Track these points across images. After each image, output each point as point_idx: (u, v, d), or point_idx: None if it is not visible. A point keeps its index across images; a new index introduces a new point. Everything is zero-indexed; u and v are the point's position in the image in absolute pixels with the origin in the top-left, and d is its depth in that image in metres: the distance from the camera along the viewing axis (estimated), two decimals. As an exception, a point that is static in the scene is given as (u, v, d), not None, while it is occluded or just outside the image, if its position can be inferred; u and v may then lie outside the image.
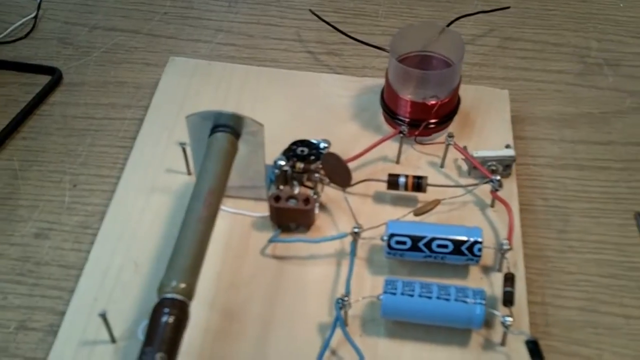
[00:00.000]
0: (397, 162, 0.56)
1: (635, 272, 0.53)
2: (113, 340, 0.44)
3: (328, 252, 0.50)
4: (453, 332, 0.45)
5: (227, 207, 0.52)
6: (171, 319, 0.38)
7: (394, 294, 0.44)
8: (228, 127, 0.47)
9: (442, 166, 0.56)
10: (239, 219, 0.52)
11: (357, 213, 0.52)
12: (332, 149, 0.55)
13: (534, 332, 0.49)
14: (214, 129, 0.48)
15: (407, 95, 0.56)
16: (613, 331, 0.49)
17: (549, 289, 0.52)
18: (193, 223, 0.42)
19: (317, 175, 0.51)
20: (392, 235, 0.47)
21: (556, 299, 0.51)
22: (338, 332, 0.45)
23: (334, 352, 0.45)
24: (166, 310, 0.38)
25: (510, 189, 0.54)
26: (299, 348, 0.45)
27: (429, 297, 0.44)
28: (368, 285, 0.48)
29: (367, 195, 0.54)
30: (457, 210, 0.53)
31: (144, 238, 0.51)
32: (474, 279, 0.49)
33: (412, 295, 0.44)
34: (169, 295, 0.39)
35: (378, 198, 0.54)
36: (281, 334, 0.46)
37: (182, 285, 0.40)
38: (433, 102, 0.54)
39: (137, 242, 0.50)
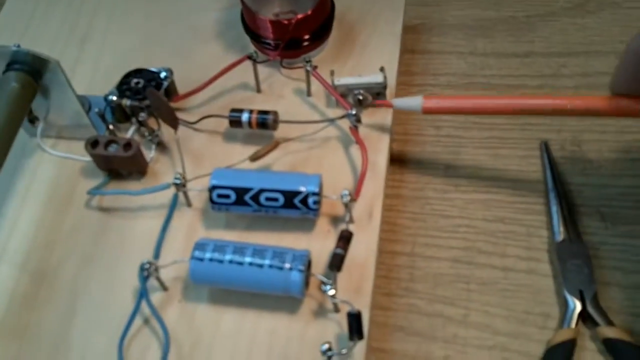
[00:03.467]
0: (258, 90, 0.48)
1: (529, 214, 0.45)
2: None
3: (161, 202, 0.44)
4: (283, 298, 0.40)
5: (56, 151, 0.46)
6: None
7: (202, 259, 0.38)
8: (21, 65, 0.41)
9: (308, 95, 0.48)
10: (69, 164, 0.46)
11: (202, 155, 0.45)
12: (188, 76, 0.48)
13: (395, 289, 0.43)
14: (8, 67, 0.41)
15: (267, 13, 0.47)
16: (487, 287, 0.43)
17: (422, 237, 0.45)
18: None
19: (142, 115, 0.44)
20: (214, 188, 0.41)
21: (428, 249, 0.45)
22: (157, 295, 0.40)
23: (147, 321, 0.40)
24: None
25: (384, 120, 0.46)
26: (109, 319, 0.40)
27: (241, 264, 0.38)
28: (200, 241, 0.42)
29: (217, 132, 0.47)
30: (317, 148, 0.46)
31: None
32: (320, 233, 0.42)
33: (221, 262, 0.38)
34: None
35: (229, 136, 0.47)
36: (92, 301, 0.41)
37: None
38: (287, 19, 0.46)
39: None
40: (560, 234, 0.43)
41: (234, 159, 0.44)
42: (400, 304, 0.43)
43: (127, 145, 0.43)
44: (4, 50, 0.40)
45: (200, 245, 0.39)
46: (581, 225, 0.44)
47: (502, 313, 0.42)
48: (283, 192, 0.40)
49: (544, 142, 0.48)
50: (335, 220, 0.43)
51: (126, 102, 0.44)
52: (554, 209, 0.45)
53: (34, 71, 0.41)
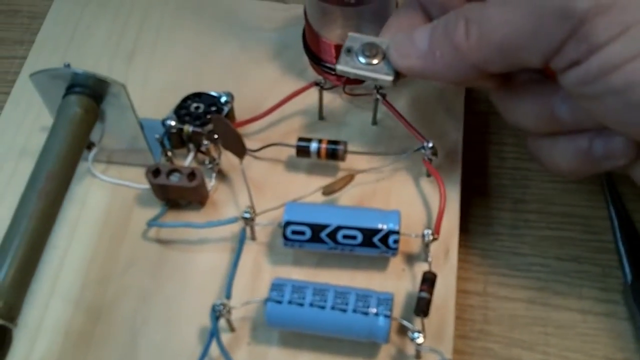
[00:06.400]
0: (320, 117, 0.46)
1: (603, 253, 0.44)
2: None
3: (222, 235, 0.41)
4: (359, 342, 0.37)
5: (108, 177, 0.43)
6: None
7: (280, 302, 0.36)
8: (83, 88, 0.38)
9: (374, 123, 0.46)
10: (122, 191, 0.43)
11: (262, 186, 0.43)
12: (243, 100, 0.45)
13: (469, 331, 0.41)
14: (68, 89, 0.38)
15: (331, 36, 0.45)
16: (565, 330, 0.41)
17: (493, 275, 0.43)
18: (22, 220, 0.34)
19: (206, 143, 0.41)
20: (288, 224, 0.38)
21: (501, 288, 0.43)
22: (224, 337, 0.38)
23: (215, 364, 0.37)
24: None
25: (455, 149, 0.44)
26: (173, 358, 0.38)
27: (323, 307, 0.35)
28: (267, 278, 0.39)
29: (279, 160, 0.44)
30: (385, 180, 0.43)
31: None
32: (394, 272, 0.40)
33: (302, 305, 0.36)
34: (-21, 318, 0.31)
35: (291, 165, 0.44)
36: (154, 339, 0.38)
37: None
38: (359, 45, 0.43)
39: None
40: (630, 275, 0.42)
41: (297, 189, 0.42)
42: (475, 348, 0.41)
43: (191, 174, 0.40)
44: (63, 72, 0.38)
45: (277, 286, 0.36)
46: (660, 266, 0.42)
47: (582, 359, 0.40)
48: (362, 230, 0.38)
49: (605, 175, 0.46)
50: (409, 258, 0.40)
51: (188, 128, 0.42)
52: (622, 248, 0.43)
53: (95, 94, 0.38)
